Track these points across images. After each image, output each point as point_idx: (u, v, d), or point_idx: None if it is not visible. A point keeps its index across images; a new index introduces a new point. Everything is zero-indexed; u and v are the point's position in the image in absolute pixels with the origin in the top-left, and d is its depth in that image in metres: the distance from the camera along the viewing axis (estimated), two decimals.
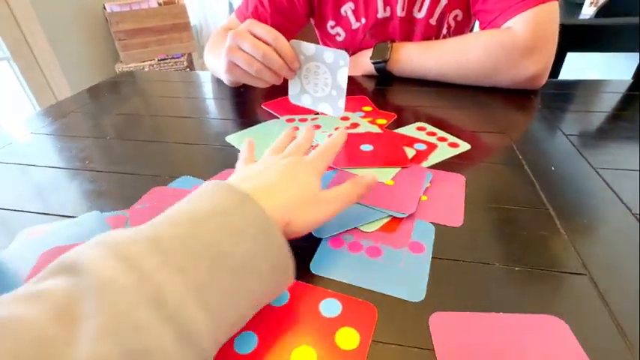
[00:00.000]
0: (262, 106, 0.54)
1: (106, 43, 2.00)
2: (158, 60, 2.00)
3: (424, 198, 0.32)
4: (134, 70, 0.76)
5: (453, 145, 0.41)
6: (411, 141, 0.41)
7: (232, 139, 0.45)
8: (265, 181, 0.26)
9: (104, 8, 1.87)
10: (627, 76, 0.70)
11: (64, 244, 0.27)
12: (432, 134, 0.43)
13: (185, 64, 2.03)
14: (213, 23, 2.83)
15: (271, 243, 0.21)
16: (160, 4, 1.99)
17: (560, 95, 0.56)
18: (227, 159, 0.40)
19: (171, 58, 2.03)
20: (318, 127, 0.47)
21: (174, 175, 0.38)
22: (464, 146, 0.41)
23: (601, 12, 1.03)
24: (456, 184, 0.34)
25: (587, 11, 1.11)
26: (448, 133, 0.44)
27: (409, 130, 0.45)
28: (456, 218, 0.30)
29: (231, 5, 2.88)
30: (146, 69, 1.96)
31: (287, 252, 0.21)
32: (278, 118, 0.50)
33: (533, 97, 0.55)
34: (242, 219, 0.20)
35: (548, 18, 0.52)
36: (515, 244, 0.28)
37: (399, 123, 0.48)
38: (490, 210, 0.32)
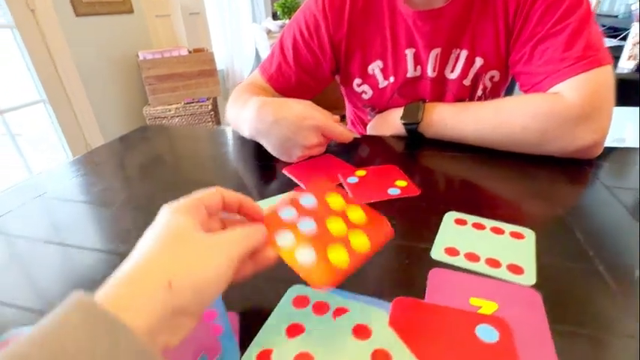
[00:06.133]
0: (283, 170, 0.50)
1: (136, 88, 2.09)
2: (184, 103, 2.06)
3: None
4: (164, 125, 0.75)
5: (517, 235, 0.35)
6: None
7: None
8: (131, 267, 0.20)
9: (137, 56, 1.97)
10: None
11: None
12: (479, 226, 0.36)
13: (210, 107, 2.08)
14: (239, 68, 2.95)
15: None
16: (189, 52, 2.08)
17: (620, 166, 0.49)
18: None
19: (196, 102, 2.08)
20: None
21: None
22: (529, 237, 0.34)
23: None
24: (532, 306, 0.27)
25: (625, 65, 1.06)
26: (496, 219, 0.37)
27: (447, 226, 0.36)
28: None
29: (257, 52, 3.01)
30: (172, 111, 2.02)
31: None
32: (298, 186, 0.46)
33: (587, 167, 0.48)
34: None
35: (603, 83, 0.46)
36: None
37: (429, 201, 0.42)
38: (580, 349, 0.25)
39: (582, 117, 0.46)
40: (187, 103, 2.07)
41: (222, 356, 0.24)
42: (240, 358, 0.24)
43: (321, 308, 0.28)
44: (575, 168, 0.48)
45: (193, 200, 0.24)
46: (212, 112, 2.10)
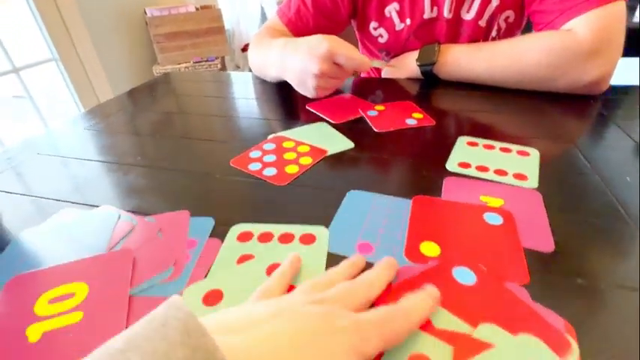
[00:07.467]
0: (307, 107, 0.53)
1: (145, 46, 2.08)
2: (193, 62, 2.06)
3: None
4: (177, 71, 0.77)
5: (523, 153, 0.39)
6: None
7: None
8: (260, 350, 0.16)
9: (145, 12, 1.94)
10: None
11: (38, 269, 0.27)
12: (489, 147, 0.40)
13: (219, 66, 2.08)
14: (245, 28, 2.88)
15: None
16: (197, 9, 2.04)
17: (622, 101, 0.52)
18: None
19: (205, 61, 2.08)
20: None
21: (223, 173, 0.38)
22: (535, 154, 0.38)
23: None
24: (533, 202, 0.32)
25: None
26: (505, 142, 0.41)
27: (460, 146, 0.40)
28: (546, 242, 0.27)
29: (263, 10, 2.93)
30: (182, 71, 2.02)
31: None
32: (323, 119, 0.50)
33: (592, 102, 0.51)
34: None
35: (614, 19, 0.48)
36: (606, 264, 0.26)
37: (444, 129, 0.46)
38: (573, 228, 0.29)
39: (592, 52, 0.48)
40: (196, 62, 2.07)
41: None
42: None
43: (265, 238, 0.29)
44: (582, 103, 0.51)
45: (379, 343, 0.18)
46: (221, 72, 2.10)
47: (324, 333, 0.17)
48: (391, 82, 0.64)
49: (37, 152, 0.46)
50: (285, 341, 0.16)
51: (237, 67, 2.87)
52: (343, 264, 0.24)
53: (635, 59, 1.04)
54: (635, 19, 1.07)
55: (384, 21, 0.66)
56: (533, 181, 0.34)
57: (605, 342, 0.20)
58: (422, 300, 0.21)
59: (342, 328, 0.17)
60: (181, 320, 0.13)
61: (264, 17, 2.91)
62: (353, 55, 0.50)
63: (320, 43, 0.49)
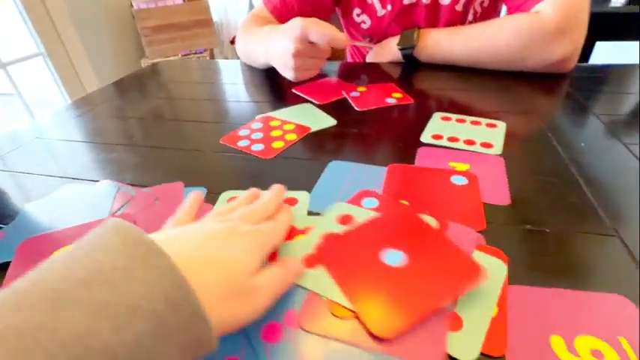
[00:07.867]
0: (293, 90, 0.56)
1: (132, 39, 2.07)
2: (181, 55, 2.06)
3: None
4: (165, 61, 0.78)
5: (491, 125, 0.42)
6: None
7: None
8: (181, 248, 0.19)
9: (131, 5, 1.93)
10: None
11: (46, 232, 0.30)
12: (461, 121, 0.43)
13: (207, 59, 2.08)
14: (233, 19, 2.87)
15: (182, 318, 0.15)
16: (184, 1, 2.04)
17: (588, 79, 0.56)
18: None
19: (194, 54, 2.08)
20: None
21: (214, 150, 0.41)
22: (501, 126, 0.42)
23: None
24: (495, 166, 0.35)
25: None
26: (475, 116, 0.44)
27: (435, 121, 0.43)
28: (504, 197, 0.31)
29: (251, 2, 2.92)
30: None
31: (207, 327, 0.16)
32: (309, 101, 0.52)
33: (561, 80, 0.55)
34: (139, 286, 0.15)
35: (578, 0, 0.51)
36: (553, 213, 0.29)
37: (421, 107, 0.49)
38: (528, 185, 0.33)
39: (558, 31, 0.51)
40: (184, 55, 2.07)
41: None
42: None
43: None
44: (551, 81, 0.54)
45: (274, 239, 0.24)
46: (209, 60, 2.10)
47: (231, 236, 0.21)
48: (375, 67, 0.67)
49: (29, 139, 0.48)
50: (199, 245, 0.20)
51: (227, 59, 2.87)
52: (242, 196, 0.29)
53: (614, 43, 1.08)
54: (612, 4, 1.11)
55: (366, 8, 0.68)
56: (497, 148, 0.38)
57: (537, 268, 0.24)
58: (287, 213, 0.28)
59: (247, 232, 0.22)
60: (115, 223, 0.17)
61: (252, 9, 2.91)
62: (324, 32, 0.52)
63: (295, 25, 0.52)
